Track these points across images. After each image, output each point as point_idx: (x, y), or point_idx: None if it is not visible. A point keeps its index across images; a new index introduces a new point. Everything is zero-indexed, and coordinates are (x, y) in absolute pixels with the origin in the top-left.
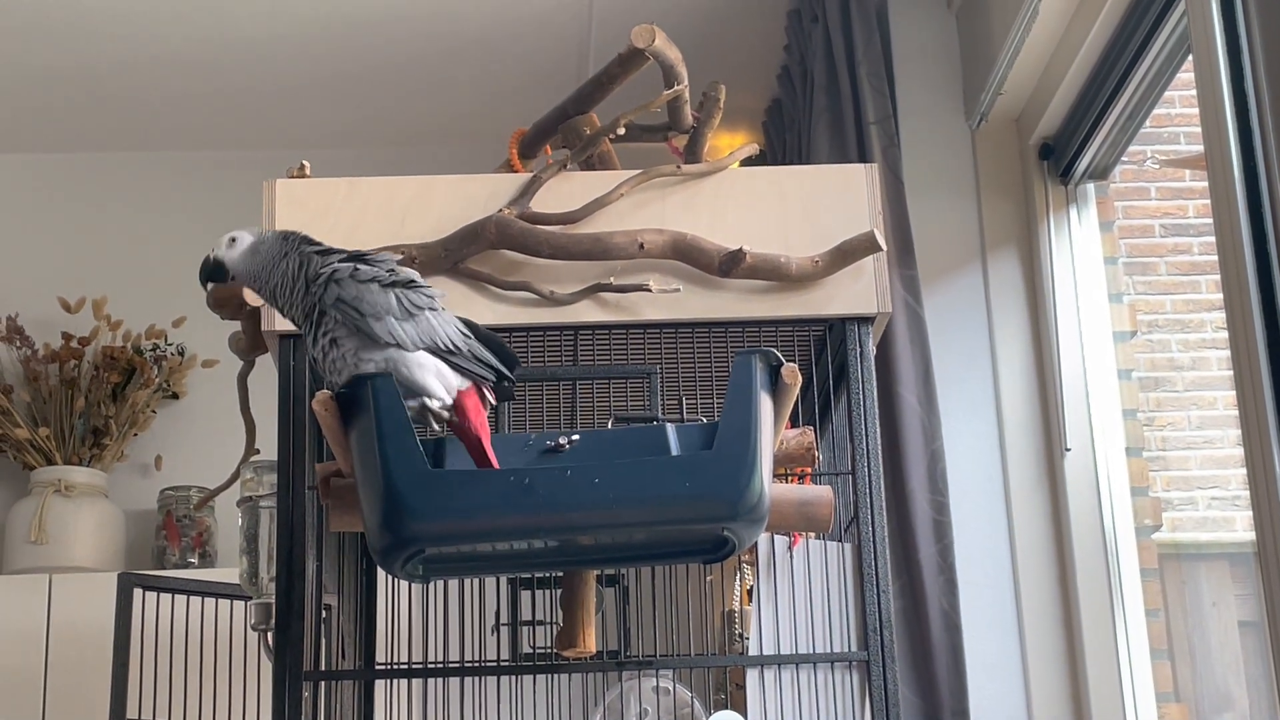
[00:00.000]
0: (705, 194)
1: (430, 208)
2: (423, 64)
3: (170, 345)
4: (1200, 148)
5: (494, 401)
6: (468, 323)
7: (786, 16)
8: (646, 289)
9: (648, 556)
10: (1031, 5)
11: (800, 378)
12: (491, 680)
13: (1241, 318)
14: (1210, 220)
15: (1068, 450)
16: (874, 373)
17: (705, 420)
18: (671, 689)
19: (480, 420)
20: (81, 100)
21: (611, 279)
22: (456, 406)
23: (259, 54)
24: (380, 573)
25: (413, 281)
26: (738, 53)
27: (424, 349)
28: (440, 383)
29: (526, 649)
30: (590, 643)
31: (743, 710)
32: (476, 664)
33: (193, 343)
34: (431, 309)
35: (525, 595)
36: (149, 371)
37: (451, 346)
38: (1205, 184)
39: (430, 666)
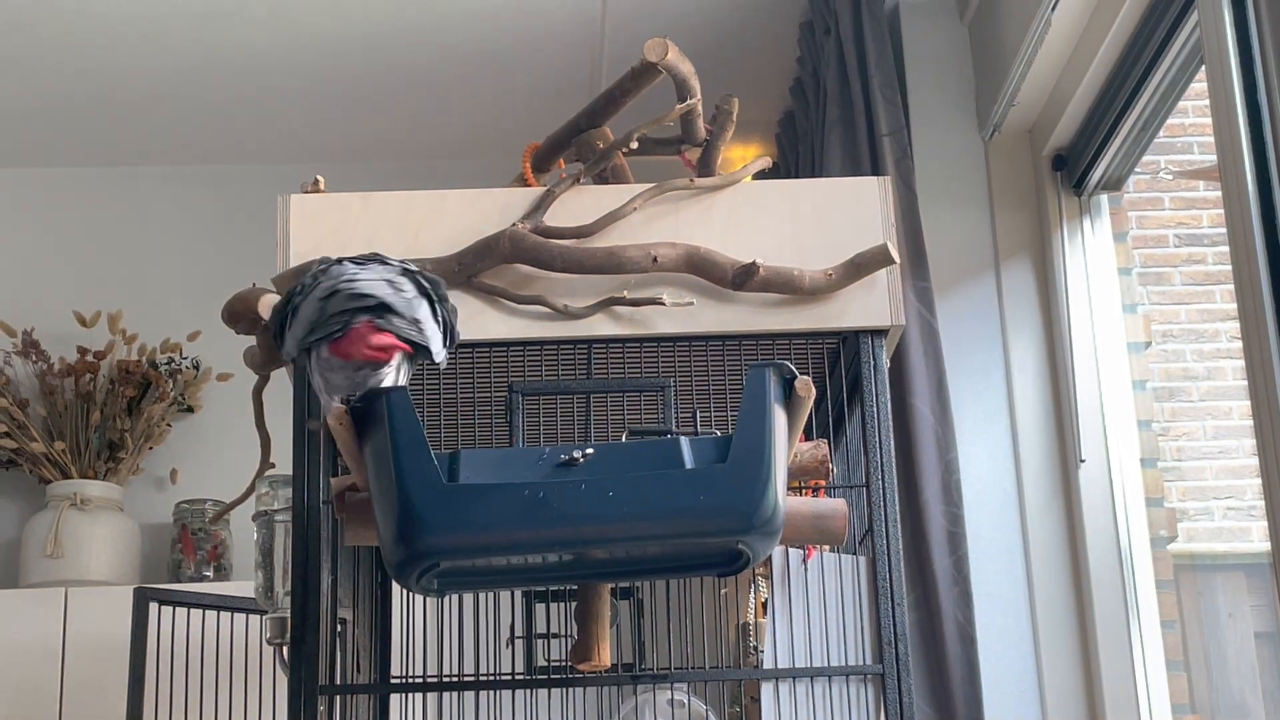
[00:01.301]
0: (718, 207)
1: (444, 222)
2: (436, 78)
3: (185, 359)
4: (1214, 157)
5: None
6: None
7: (799, 28)
8: (660, 302)
9: (662, 570)
10: (1044, 16)
11: (814, 391)
12: (506, 694)
13: (1256, 327)
14: (1224, 230)
15: (1082, 461)
16: (888, 385)
17: (719, 433)
18: (686, 702)
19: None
20: (96, 115)
21: (625, 292)
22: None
23: (272, 69)
24: (395, 586)
25: (312, 330)
26: (750, 65)
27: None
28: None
29: (541, 662)
30: (605, 656)
31: None
32: (491, 678)
33: (208, 356)
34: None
35: (540, 609)
36: (164, 385)
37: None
38: (1219, 194)
39: (445, 680)
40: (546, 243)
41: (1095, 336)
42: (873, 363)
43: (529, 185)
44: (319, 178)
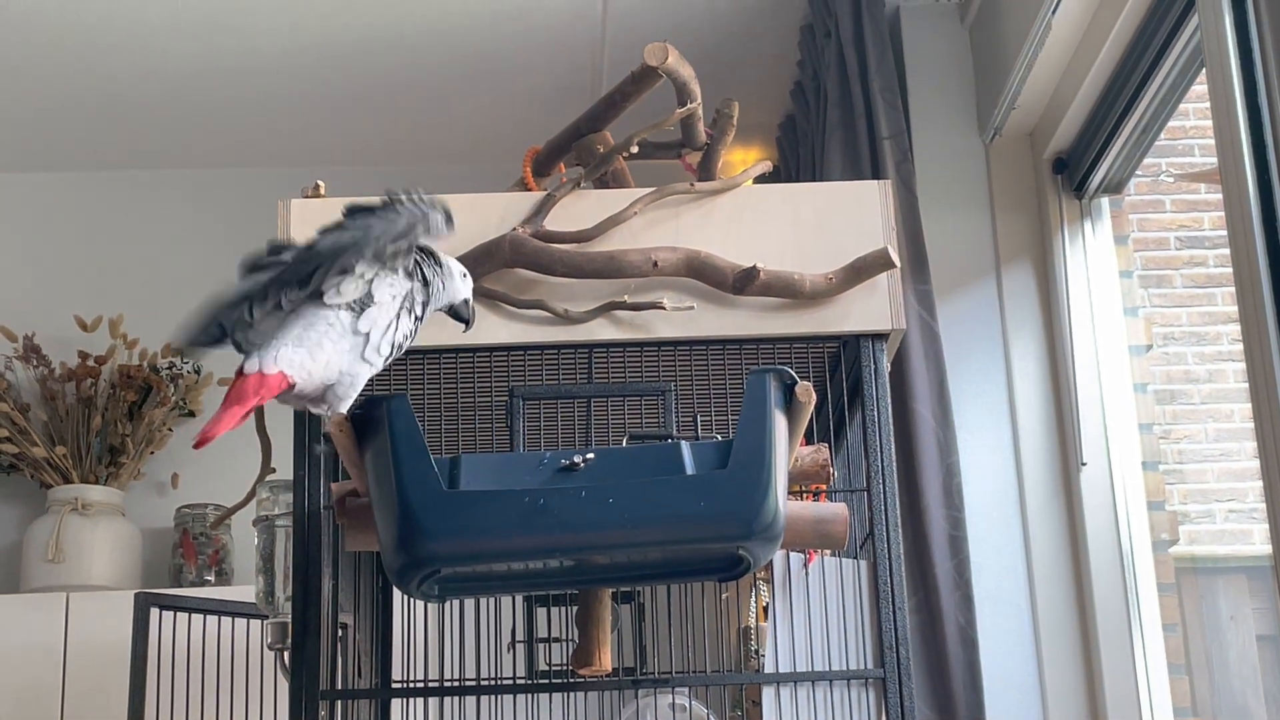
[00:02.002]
0: (719, 211)
1: None
2: (436, 82)
3: (186, 363)
4: (1215, 160)
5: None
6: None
7: (800, 32)
8: (660, 307)
9: (663, 575)
10: (1045, 19)
11: (814, 396)
12: (508, 698)
13: (1257, 330)
14: (1225, 232)
15: (1084, 464)
16: (888, 389)
17: (720, 438)
18: (688, 706)
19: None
20: (98, 119)
21: (626, 297)
22: None
23: (274, 73)
24: (396, 591)
25: None
26: (751, 68)
27: None
28: None
29: (542, 667)
30: (606, 660)
31: None
32: (492, 682)
33: (209, 361)
34: None
35: (541, 613)
36: (165, 390)
37: None
38: (1220, 196)
39: (446, 685)
40: (547, 247)
41: (1096, 339)
42: (873, 366)
43: (529, 189)
44: (319, 182)
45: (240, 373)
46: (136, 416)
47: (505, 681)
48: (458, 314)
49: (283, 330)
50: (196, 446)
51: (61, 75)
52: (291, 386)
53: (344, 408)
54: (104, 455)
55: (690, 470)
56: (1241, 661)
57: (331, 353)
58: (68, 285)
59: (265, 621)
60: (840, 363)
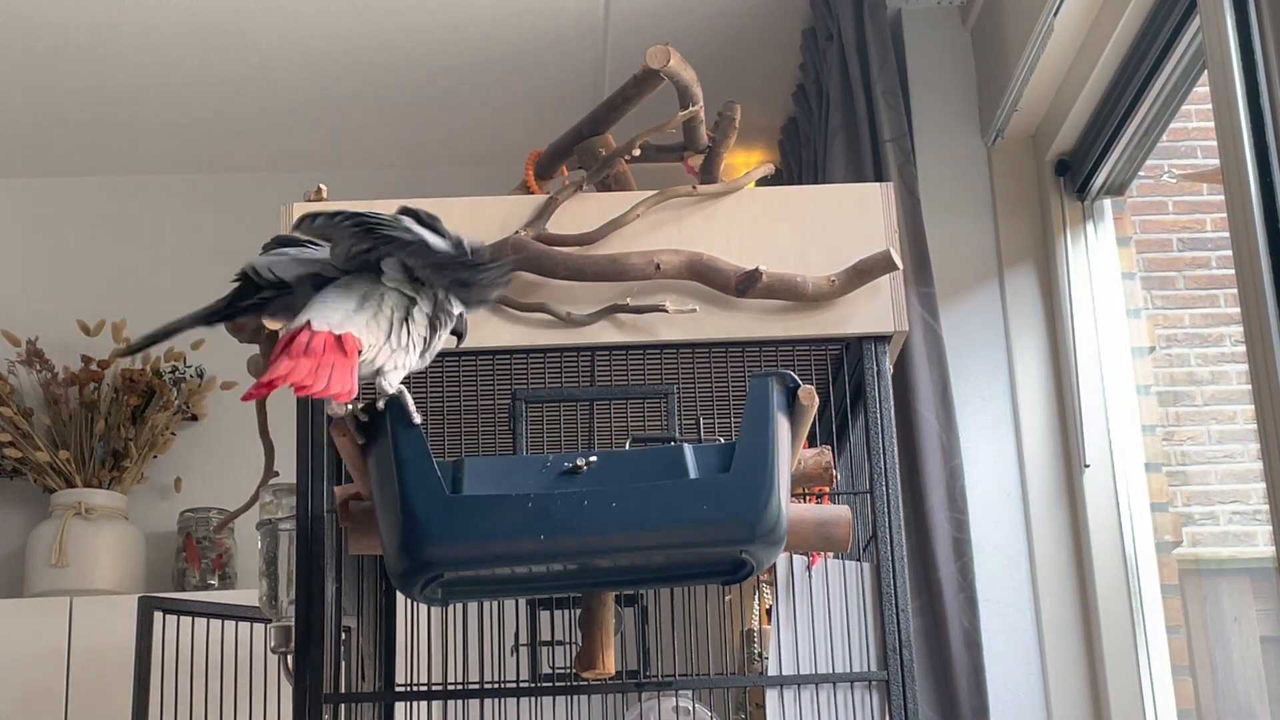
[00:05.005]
0: (721, 214)
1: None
2: (439, 86)
3: (189, 368)
4: (1217, 161)
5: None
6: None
7: (802, 35)
8: (663, 309)
9: (666, 578)
10: (1046, 22)
11: (817, 400)
12: (511, 701)
13: (1259, 331)
14: (1227, 234)
15: (1087, 466)
16: (891, 391)
17: (723, 440)
18: (691, 709)
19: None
20: (100, 124)
21: (628, 300)
22: None
23: (275, 78)
24: (399, 594)
25: None
26: (753, 71)
27: None
28: None
29: (546, 670)
30: (609, 663)
31: None
32: (496, 685)
33: (212, 365)
34: None
35: (544, 616)
36: (168, 394)
37: None
38: (1222, 198)
39: (450, 688)
40: (549, 250)
41: (1099, 341)
42: (876, 369)
43: (532, 193)
44: (321, 186)
45: (296, 331)
46: (139, 420)
47: (509, 684)
48: (456, 330)
49: (338, 298)
50: (247, 399)
51: (64, 81)
52: (359, 352)
53: (392, 391)
54: (107, 459)
55: (693, 472)
56: (1245, 663)
57: (389, 331)
58: (70, 290)
59: (268, 625)
60: (843, 365)
